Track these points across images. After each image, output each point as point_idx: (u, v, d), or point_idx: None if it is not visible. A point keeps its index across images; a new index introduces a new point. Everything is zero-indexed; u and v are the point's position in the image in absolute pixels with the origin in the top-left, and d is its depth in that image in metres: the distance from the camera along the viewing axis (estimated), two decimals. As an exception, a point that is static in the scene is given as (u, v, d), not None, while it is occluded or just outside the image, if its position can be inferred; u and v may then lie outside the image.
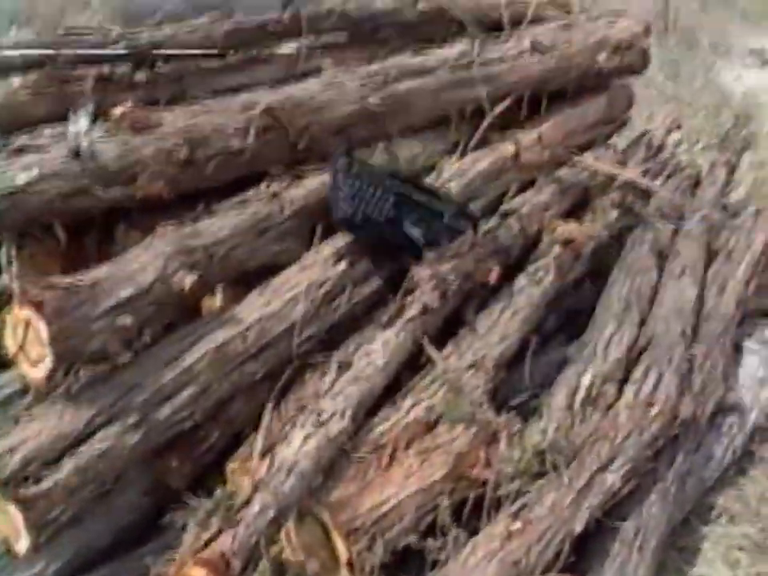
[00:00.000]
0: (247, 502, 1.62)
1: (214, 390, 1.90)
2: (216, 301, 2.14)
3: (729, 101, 4.75)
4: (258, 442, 1.80)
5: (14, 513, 1.65)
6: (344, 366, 1.94)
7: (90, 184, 2.05)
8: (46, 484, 1.64)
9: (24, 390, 2.06)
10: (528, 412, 2.27)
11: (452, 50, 2.72)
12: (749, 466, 2.67)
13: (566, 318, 2.72)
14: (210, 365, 1.88)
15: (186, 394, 1.85)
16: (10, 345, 1.84)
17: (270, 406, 1.91)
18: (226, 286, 2.13)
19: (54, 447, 1.69)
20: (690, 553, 2.40)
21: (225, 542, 1.55)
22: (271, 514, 1.62)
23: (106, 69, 2.25)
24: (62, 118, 2.13)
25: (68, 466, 1.68)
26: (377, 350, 2.00)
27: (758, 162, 3.85)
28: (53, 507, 1.66)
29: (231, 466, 1.88)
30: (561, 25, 2.99)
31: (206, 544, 1.55)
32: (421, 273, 2.17)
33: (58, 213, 2.06)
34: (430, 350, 2.09)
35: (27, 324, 1.78)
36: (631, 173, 2.95)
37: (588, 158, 2.92)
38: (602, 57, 2.93)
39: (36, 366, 1.79)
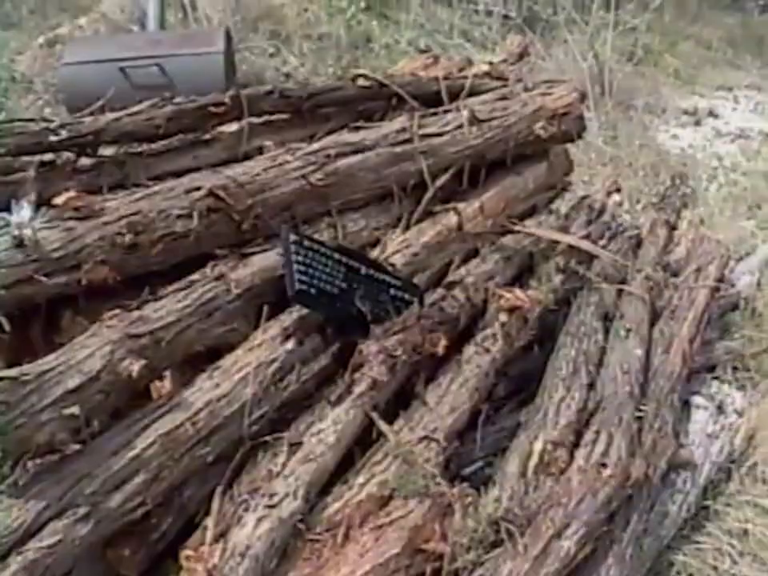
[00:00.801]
0: None
1: (165, 476, 1.87)
2: (165, 384, 2.14)
3: (666, 160, 4.88)
4: (210, 526, 1.78)
5: None
6: (295, 446, 1.93)
7: (34, 273, 2.05)
8: None
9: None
10: (481, 481, 2.29)
11: (392, 125, 2.78)
12: (704, 522, 2.69)
13: (516, 384, 2.75)
14: (160, 450, 1.86)
15: (136, 481, 1.82)
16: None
17: (220, 489, 1.89)
18: (174, 369, 2.13)
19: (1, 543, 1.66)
20: (651, 612, 2.41)
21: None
22: None
23: (48, 156, 2.27)
24: (5, 207, 2.14)
25: (15, 563, 1.64)
26: (327, 428, 2.01)
27: (697, 219, 3.95)
28: None
29: (185, 552, 1.85)
30: (498, 96, 3.07)
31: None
32: (369, 348, 2.18)
33: (1, 303, 2.04)
34: (381, 425, 2.09)
35: (-28, 419, 1.76)
36: (571, 238, 3.01)
37: (530, 225, 2.98)
38: (539, 125, 3.01)
39: (-17, 461, 1.77)
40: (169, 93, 2.62)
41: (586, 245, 3.07)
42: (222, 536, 1.76)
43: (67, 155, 2.34)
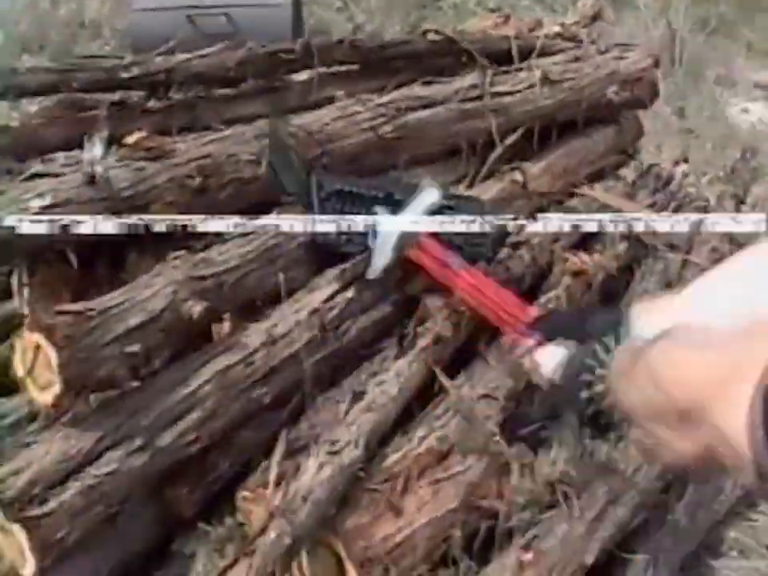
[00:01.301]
0: (263, 531, 1.61)
1: (220, 414, 1.88)
2: (225, 327, 2.14)
3: (735, 134, 4.77)
4: (273, 469, 1.79)
5: (19, 535, 1.63)
6: (358, 395, 1.93)
7: (104, 210, 2.06)
8: (50, 505, 1.62)
9: (32, 415, 2.07)
10: (537, 442, 2.27)
11: (462, 82, 2.73)
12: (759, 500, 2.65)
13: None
14: (215, 388, 1.87)
15: (191, 417, 1.83)
16: (19, 369, 1.85)
17: (284, 432, 1.89)
18: (233, 313, 2.14)
19: (58, 469, 1.68)
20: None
21: (241, 571, 1.54)
22: (287, 542, 1.61)
23: (119, 95, 2.28)
24: (77, 144, 2.15)
25: (73, 488, 1.66)
26: (390, 379, 1.99)
27: (765, 195, 3.84)
28: (58, 529, 1.63)
29: (242, 494, 1.86)
30: (571, 57, 3.01)
31: (223, 573, 1.54)
32: (434, 301, 2.16)
33: (70, 239, 2.06)
34: (444, 380, 2.08)
35: (37, 349, 1.78)
36: (635, 208, 2.95)
37: (596, 189, 2.92)
38: (611, 90, 2.95)
39: (44, 391, 1.79)
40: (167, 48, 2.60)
41: (647, 217, 2.99)
42: (281, 479, 1.76)
43: (138, 95, 2.35)
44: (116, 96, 2.27)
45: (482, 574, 1.80)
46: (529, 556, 1.82)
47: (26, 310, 2.04)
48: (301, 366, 1.98)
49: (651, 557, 2.09)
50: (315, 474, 1.73)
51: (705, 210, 3.31)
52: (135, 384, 1.88)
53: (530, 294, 2.48)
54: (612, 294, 2.77)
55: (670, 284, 2.82)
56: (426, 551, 1.80)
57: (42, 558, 1.63)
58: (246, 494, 1.85)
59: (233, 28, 4.55)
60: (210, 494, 1.98)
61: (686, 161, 3.53)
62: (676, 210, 3.25)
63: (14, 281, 2.13)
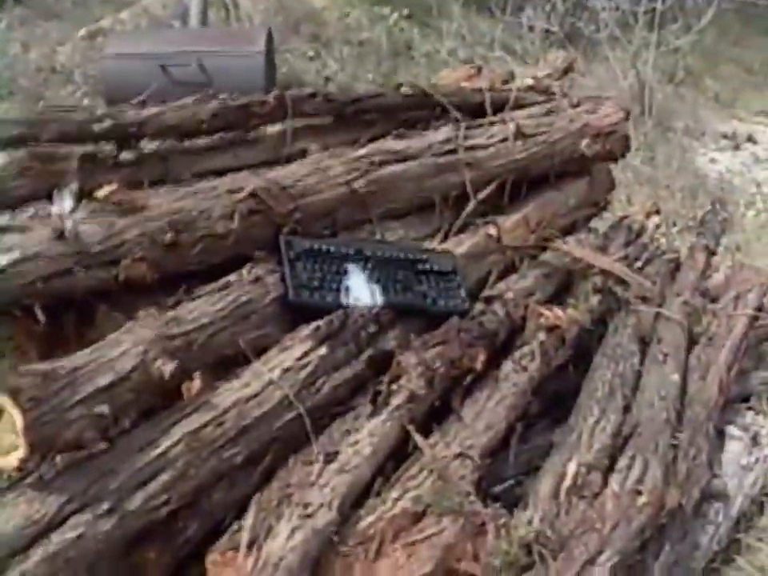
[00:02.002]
0: None
1: (191, 475, 1.83)
2: (195, 385, 2.10)
3: (704, 183, 4.83)
4: (244, 533, 1.74)
5: None
6: (330, 455, 1.90)
7: (73, 266, 2.02)
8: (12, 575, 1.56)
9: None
10: (511, 500, 2.24)
11: (436, 136, 2.74)
12: (735, 555, 2.63)
13: (548, 403, 2.70)
14: (186, 449, 1.83)
15: (161, 479, 1.78)
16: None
17: (257, 496, 1.85)
18: (204, 371, 2.10)
19: (22, 535, 1.61)
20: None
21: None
22: None
23: (90, 147, 2.25)
24: (45, 196, 2.12)
25: (36, 555, 1.60)
26: (363, 439, 1.97)
27: (734, 245, 3.90)
28: None
29: (211, 557, 1.81)
30: (544, 110, 3.03)
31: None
32: (407, 359, 2.15)
33: (38, 294, 2.02)
34: (418, 439, 2.05)
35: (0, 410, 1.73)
36: (608, 261, 2.96)
37: (570, 242, 2.93)
38: (584, 143, 2.97)
39: (8, 455, 1.73)
40: (209, 90, 2.60)
41: (619, 269, 3.01)
42: (252, 544, 1.71)
43: (109, 148, 2.32)
44: (87, 148, 2.23)
45: (459, 640, 1.76)
46: (506, 621, 1.79)
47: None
48: (272, 425, 1.94)
49: (629, 618, 2.06)
50: (287, 538, 1.69)
51: (677, 261, 3.35)
52: (103, 445, 1.82)
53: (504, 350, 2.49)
54: (585, 348, 2.78)
55: (643, 338, 2.83)
56: (402, 618, 1.76)
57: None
58: (215, 557, 1.81)
59: (206, 77, 4.56)
60: (178, 557, 1.93)
61: (657, 212, 3.57)
62: (647, 263, 3.28)
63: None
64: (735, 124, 5.84)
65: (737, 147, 5.53)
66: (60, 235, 2.01)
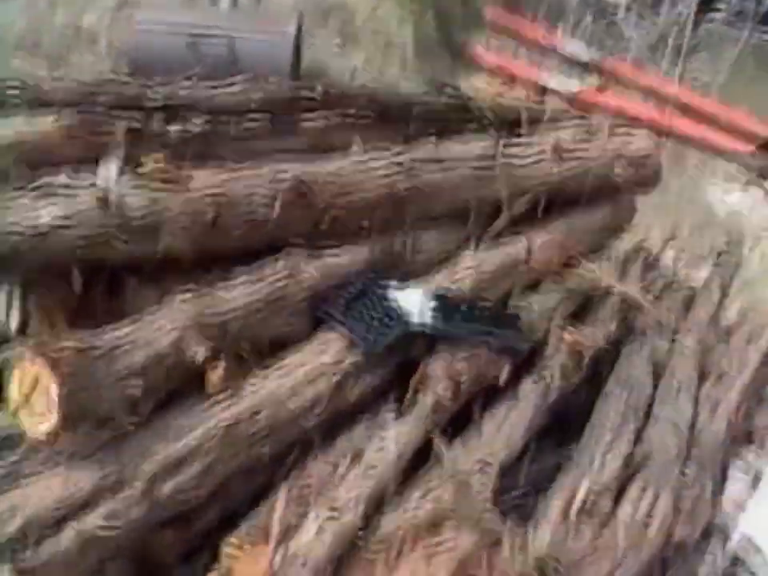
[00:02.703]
0: None
1: (220, 469, 1.84)
2: (218, 373, 2.09)
3: (715, 218, 4.85)
4: (274, 527, 1.73)
5: None
6: (357, 457, 1.89)
7: (113, 237, 2.01)
8: (45, 552, 1.54)
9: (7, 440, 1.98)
10: (519, 516, 2.24)
11: (477, 144, 2.73)
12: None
13: (556, 422, 2.71)
14: (220, 442, 1.83)
15: (193, 469, 1.79)
16: (14, 393, 1.77)
17: (284, 490, 1.84)
18: (227, 358, 2.08)
19: (55, 514, 1.62)
20: None
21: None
22: None
23: (138, 119, 2.22)
24: (93, 163, 2.10)
25: (69, 534, 1.59)
26: (389, 444, 1.96)
27: (746, 282, 3.92)
28: None
29: (229, 547, 1.80)
30: (581, 131, 3.03)
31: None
32: (434, 368, 2.15)
33: (76, 261, 2.00)
34: (441, 448, 2.05)
35: (36, 377, 1.71)
36: (629, 290, 2.97)
37: (593, 267, 2.94)
38: (618, 168, 2.97)
39: (39, 422, 1.72)
40: (235, 71, 2.57)
41: (639, 298, 3.02)
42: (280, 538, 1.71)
43: (157, 122, 2.29)
44: (135, 120, 2.21)
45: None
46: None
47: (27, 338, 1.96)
48: (303, 424, 1.93)
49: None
50: (315, 537, 1.68)
51: (691, 293, 3.36)
52: (133, 426, 1.81)
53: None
54: (597, 371, 2.79)
55: (656, 368, 2.84)
56: (418, 623, 1.76)
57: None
58: (233, 548, 1.79)
59: (233, 57, 4.51)
60: (192, 542, 1.92)
61: (673, 238, 3.59)
62: (663, 291, 3.29)
63: (10, 298, 2.06)
64: (747, 159, 5.87)
65: (748, 183, 5.57)
66: (103, 203, 1.99)
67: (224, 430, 1.84)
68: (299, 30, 4.89)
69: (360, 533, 1.79)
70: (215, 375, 2.07)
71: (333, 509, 1.75)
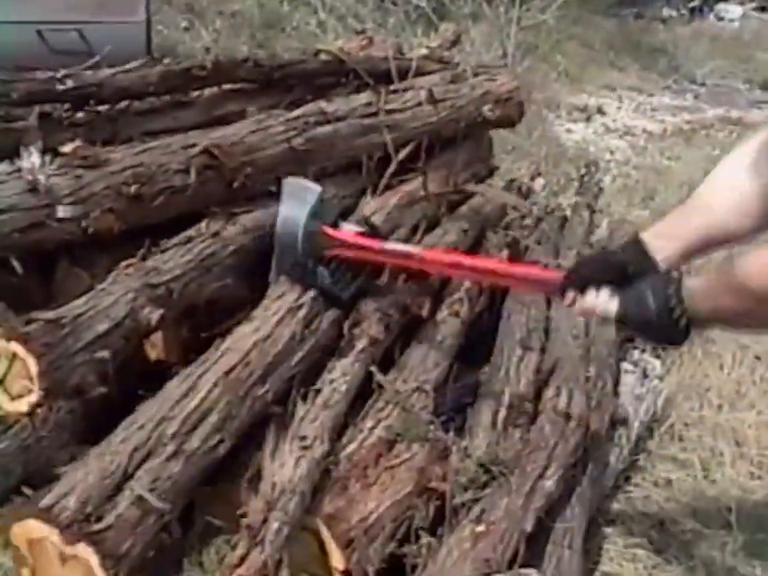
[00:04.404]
0: (265, 521, 1.70)
1: (234, 415, 1.95)
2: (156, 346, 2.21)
3: (564, 151, 5.20)
4: (266, 465, 1.88)
5: (84, 555, 1.60)
6: (316, 393, 2.06)
7: (46, 218, 2.07)
8: (108, 520, 1.62)
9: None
10: (457, 431, 2.45)
11: (359, 99, 2.91)
12: (632, 474, 2.96)
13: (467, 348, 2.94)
14: (224, 390, 1.94)
15: (210, 420, 1.89)
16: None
17: (272, 427, 1.98)
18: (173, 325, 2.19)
19: (104, 485, 1.69)
20: (595, 553, 2.64)
21: (256, 560, 1.62)
22: (286, 531, 1.71)
23: (48, 108, 2.28)
24: (11, 154, 2.15)
25: (124, 501, 1.67)
26: (338, 378, 2.13)
27: (606, 203, 4.25)
28: (122, 541, 1.63)
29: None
30: (448, 78, 3.25)
31: (240, 562, 1.61)
32: (366, 307, 2.32)
33: (14, 247, 2.06)
34: (380, 378, 2.23)
35: (9, 359, 1.78)
36: (513, 198, 3.24)
37: (480, 187, 3.18)
38: (486, 108, 3.20)
39: (18, 401, 1.79)
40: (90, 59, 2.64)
41: (521, 202, 3.29)
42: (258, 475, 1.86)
43: (63, 107, 2.35)
44: (45, 108, 2.27)
45: (446, 546, 1.95)
46: (481, 528, 2.00)
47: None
48: (291, 361, 2.09)
49: (568, 525, 2.31)
50: (294, 467, 1.83)
51: (564, 218, 3.66)
52: (103, 389, 1.90)
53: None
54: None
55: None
56: (392, 530, 1.94)
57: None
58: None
59: (86, 45, 4.49)
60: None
61: (539, 174, 3.87)
62: (539, 220, 3.57)
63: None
64: (585, 97, 6.29)
65: (588, 119, 5.97)
66: (33, 188, 2.05)
67: (224, 377, 1.95)
68: (148, 13, 4.90)
69: (328, 459, 1.95)
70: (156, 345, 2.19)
71: (304, 441, 1.90)
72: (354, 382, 2.20)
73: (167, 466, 1.76)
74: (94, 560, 1.57)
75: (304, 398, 2.08)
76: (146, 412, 1.86)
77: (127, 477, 1.72)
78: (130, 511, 1.66)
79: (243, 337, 2.07)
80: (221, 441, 1.88)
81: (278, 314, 2.15)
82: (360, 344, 2.26)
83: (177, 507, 1.78)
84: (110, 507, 1.65)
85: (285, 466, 1.84)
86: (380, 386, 2.25)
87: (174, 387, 1.93)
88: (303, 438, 1.92)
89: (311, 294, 2.25)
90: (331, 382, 2.13)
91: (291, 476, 1.82)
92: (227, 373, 1.96)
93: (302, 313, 2.19)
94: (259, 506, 1.73)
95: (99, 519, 1.62)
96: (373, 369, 2.27)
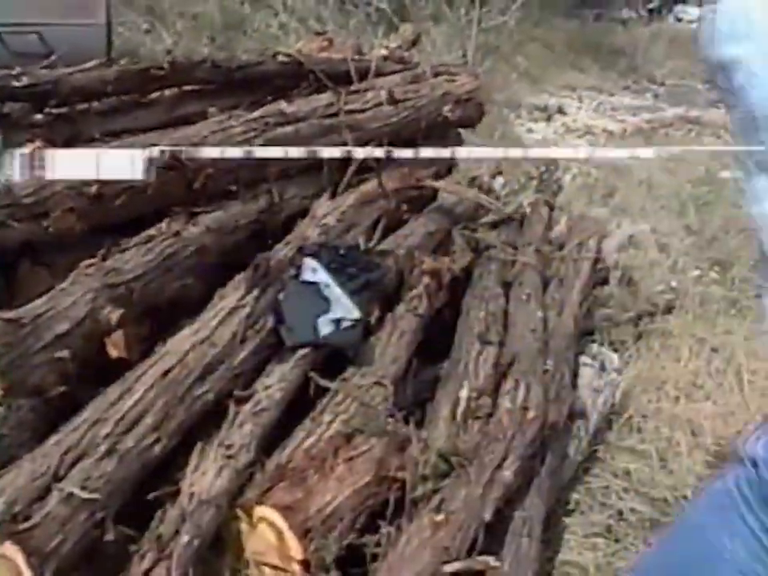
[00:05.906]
0: (176, 533, 1.71)
1: (173, 415, 1.95)
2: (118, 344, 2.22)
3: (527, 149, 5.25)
4: (188, 472, 1.88)
5: (13, 555, 1.59)
6: (243, 400, 2.08)
7: (7, 218, 2.09)
8: (36, 518, 1.63)
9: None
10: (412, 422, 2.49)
11: (320, 100, 2.94)
12: (591, 465, 3.02)
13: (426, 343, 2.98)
14: (161, 391, 1.95)
15: (146, 421, 1.90)
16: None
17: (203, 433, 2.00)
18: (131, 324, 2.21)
19: (35, 486, 1.70)
20: (555, 542, 2.69)
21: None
22: (196, 545, 1.72)
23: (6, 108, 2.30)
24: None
25: (54, 499, 1.68)
26: (274, 384, 2.15)
27: (565, 201, 4.32)
28: (50, 538, 1.63)
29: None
30: (408, 78, 3.29)
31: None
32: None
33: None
34: (320, 382, 2.25)
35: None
36: (474, 194, 3.28)
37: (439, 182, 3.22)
38: (446, 108, 3.25)
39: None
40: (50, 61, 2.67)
41: (485, 198, 3.34)
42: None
43: (22, 108, 2.37)
44: (4, 108, 2.28)
45: (406, 534, 1.99)
46: (440, 517, 2.04)
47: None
48: (231, 362, 2.10)
49: (527, 514, 2.36)
50: (215, 477, 1.85)
51: (523, 215, 3.71)
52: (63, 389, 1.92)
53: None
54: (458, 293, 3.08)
55: (505, 282, 3.16)
56: (351, 521, 1.97)
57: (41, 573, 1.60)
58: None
59: (46, 48, 4.48)
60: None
61: (500, 173, 3.92)
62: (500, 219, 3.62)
63: None
64: (545, 98, 6.36)
65: (549, 118, 6.05)
66: (-4, 187, 2.07)
67: (160, 378, 1.96)
68: (109, 14, 4.90)
69: (256, 468, 1.96)
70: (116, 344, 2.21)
71: (228, 450, 1.92)
72: (290, 388, 2.21)
73: (99, 465, 1.77)
74: (19, 558, 1.57)
75: (237, 402, 2.10)
76: (82, 415, 1.87)
77: (59, 478, 1.72)
78: (59, 509, 1.67)
79: (182, 339, 2.09)
80: (157, 440, 1.89)
81: (220, 315, 2.16)
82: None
83: (111, 505, 1.77)
84: (39, 507, 1.65)
85: (206, 474, 1.86)
86: (324, 390, 2.25)
87: (111, 391, 1.94)
88: (229, 446, 1.94)
89: (254, 293, 2.26)
90: (266, 387, 2.14)
91: (210, 486, 1.83)
92: (164, 374, 1.97)
93: (244, 312, 2.20)
94: (173, 515, 1.74)
95: (27, 518, 1.62)
96: (312, 375, 2.28)
